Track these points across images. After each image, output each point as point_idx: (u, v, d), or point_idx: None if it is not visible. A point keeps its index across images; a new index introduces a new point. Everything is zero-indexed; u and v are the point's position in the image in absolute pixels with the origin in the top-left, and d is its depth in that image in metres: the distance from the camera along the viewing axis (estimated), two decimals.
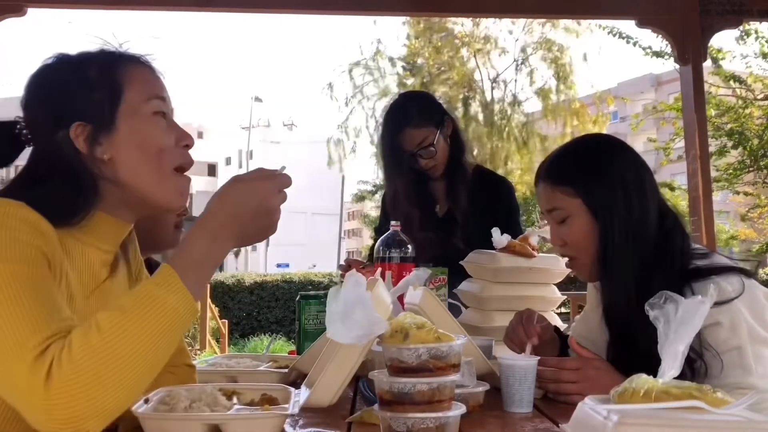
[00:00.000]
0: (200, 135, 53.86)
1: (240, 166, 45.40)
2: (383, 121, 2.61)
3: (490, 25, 14.50)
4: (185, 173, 1.26)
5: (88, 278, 1.19)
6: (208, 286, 7.69)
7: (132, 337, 0.97)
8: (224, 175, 50.62)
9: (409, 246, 2.06)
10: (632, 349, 1.46)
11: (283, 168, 1.17)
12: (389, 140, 2.50)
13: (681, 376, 1.37)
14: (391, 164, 2.53)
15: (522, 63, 14.69)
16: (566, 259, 1.76)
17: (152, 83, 1.24)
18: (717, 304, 1.39)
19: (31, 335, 0.96)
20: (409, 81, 14.85)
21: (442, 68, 14.40)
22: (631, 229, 1.53)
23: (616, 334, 1.61)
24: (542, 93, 14.57)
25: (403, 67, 15.12)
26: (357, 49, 15.09)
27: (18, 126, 1.22)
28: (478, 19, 13.81)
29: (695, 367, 1.42)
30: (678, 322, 0.97)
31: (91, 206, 1.17)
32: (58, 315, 1.01)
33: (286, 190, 1.13)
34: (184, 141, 1.25)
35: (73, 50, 1.25)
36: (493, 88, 14.79)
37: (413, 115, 2.47)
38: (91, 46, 1.25)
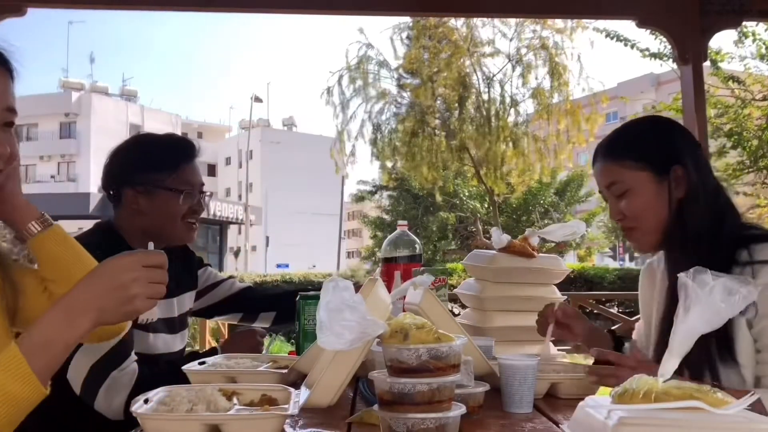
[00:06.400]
0: (200, 135, 53.86)
1: (240, 166, 45.35)
2: None
3: (486, 25, 14.44)
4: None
5: None
6: None
7: None
8: (224, 175, 50.61)
9: (417, 245, 2.06)
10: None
11: (151, 245, 1.18)
12: None
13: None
14: None
15: (516, 63, 14.64)
16: (565, 259, 1.76)
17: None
18: None
19: None
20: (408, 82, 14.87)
21: (437, 70, 14.34)
22: (702, 196, 1.59)
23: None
24: (536, 93, 14.53)
25: (401, 74, 15.11)
26: (349, 55, 14.98)
27: None
28: (472, 20, 13.75)
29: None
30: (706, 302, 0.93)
31: None
32: None
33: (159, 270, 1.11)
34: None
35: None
36: (489, 89, 14.74)
37: None
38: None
